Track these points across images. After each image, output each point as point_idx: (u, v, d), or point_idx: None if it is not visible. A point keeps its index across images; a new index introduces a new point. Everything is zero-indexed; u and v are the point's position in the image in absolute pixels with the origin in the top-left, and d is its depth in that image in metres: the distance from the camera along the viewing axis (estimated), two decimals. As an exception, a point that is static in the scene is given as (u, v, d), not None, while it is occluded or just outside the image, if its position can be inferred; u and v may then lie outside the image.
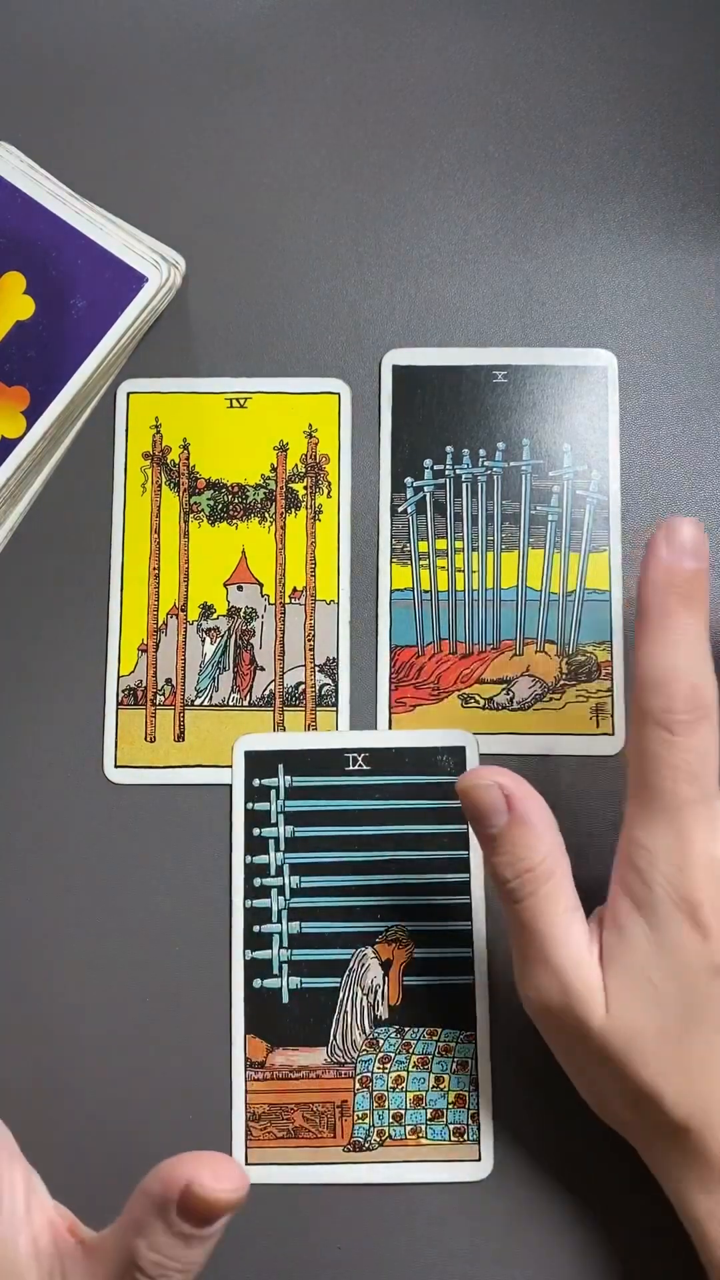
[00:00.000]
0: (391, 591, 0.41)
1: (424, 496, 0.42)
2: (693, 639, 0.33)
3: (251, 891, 0.40)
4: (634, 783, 0.34)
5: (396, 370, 0.42)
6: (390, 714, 0.41)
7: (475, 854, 0.40)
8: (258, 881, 0.40)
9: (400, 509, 0.42)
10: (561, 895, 0.34)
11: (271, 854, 0.40)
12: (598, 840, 0.39)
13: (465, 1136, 0.39)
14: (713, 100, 0.43)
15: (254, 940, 0.40)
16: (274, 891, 0.40)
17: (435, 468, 0.42)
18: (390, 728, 0.40)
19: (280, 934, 0.40)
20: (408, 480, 0.42)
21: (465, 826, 0.40)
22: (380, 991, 0.39)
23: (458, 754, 0.40)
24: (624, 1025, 0.33)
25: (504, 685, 0.41)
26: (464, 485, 0.42)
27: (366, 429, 0.42)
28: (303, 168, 0.43)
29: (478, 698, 0.41)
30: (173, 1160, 0.30)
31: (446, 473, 0.42)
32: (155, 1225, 0.30)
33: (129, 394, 0.42)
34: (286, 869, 0.40)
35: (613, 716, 0.41)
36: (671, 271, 0.43)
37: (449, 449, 0.42)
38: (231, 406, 0.42)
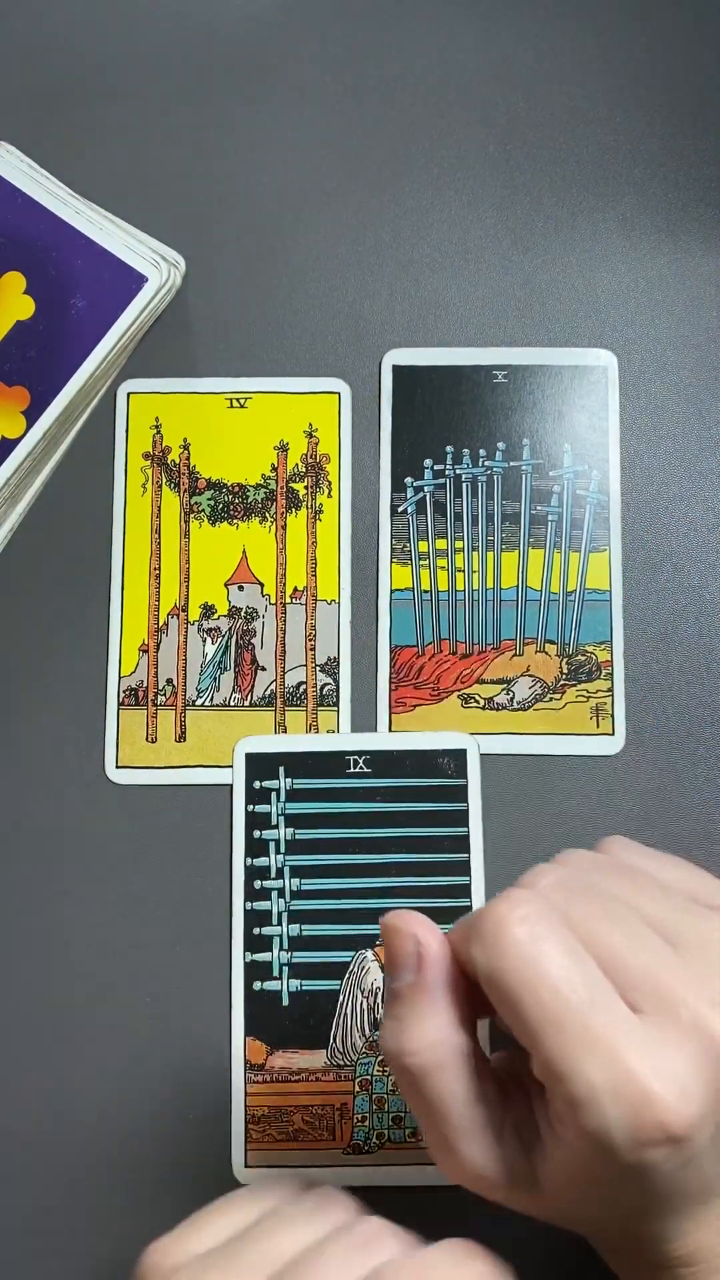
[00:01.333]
0: (392, 591, 0.41)
1: (424, 496, 0.42)
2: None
3: (252, 894, 0.40)
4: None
5: (396, 370, 0.42)
6: (390, 714, 0.40)
7: (477, 857, 0.40)
8: (258, 884, 0.40)
9: (400, 509, 0.42)
10: (460, 1085, 0.28)
11: (272, 856, 0.40)
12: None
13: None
14: (713, 100, 0.43)
15: (254, 943, 0.39)
16: (274, 894, 0.40)
17: (435, 468, 0.42)
18: (390, 728, 0.40)
19: (281, 937, 0.39)
20: (408, 480, 0.42)
21: (466, 829, 0.40)
22: (380, 994, 0.39)
23: (459, 756, 0.40)
24: (564, 1195, 0.28)
25: (504, 685, 0.41)
26: (464, 485, 0.42)
27: (366, 429, 0.42)
28: (303, 167, 0.43)
29: (478, 698, 0.41)
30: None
31: (446, 473, 0.42)
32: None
33: (129, 394, 0.42)
34: (287, 871, 0.40)
35: (613, 717, 0.40)
36: (671, 271, 0.43)
37: (449, 449, 0.42)
38: (231, 406, 0.42)
